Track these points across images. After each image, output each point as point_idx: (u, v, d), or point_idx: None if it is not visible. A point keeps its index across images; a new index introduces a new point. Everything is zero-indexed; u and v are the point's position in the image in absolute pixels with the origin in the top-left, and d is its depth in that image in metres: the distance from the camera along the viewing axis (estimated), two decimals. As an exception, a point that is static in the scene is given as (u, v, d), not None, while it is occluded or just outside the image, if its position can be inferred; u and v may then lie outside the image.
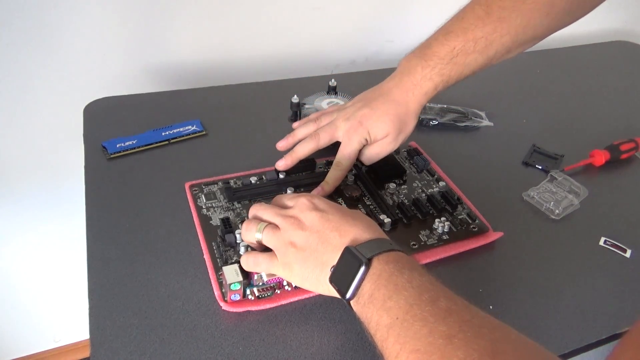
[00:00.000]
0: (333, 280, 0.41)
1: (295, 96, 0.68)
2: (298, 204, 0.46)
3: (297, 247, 0.43)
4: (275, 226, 0.45)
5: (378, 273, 0.38)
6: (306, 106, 0.68)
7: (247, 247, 0.51)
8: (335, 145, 0.59)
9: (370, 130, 0.57)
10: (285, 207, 0.47)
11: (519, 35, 0.55)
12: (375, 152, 0.59)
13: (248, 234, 0.47)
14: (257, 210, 0.48)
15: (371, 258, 0.39)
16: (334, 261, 0.41)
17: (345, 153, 0.57)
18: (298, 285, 0.45)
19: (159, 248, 0.52)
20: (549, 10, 0.55)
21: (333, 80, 0.71)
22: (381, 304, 0.37)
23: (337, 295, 0.41)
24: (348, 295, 0.39)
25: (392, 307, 0.36)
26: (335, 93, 0.71)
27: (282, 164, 0.59)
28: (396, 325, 0.35)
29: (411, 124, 0.59)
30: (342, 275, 0.40)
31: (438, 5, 1.02)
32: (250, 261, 0.46)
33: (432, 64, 0.55)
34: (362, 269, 0.38)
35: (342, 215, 0.44)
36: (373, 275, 0.38)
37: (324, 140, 0.58)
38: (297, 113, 0.69)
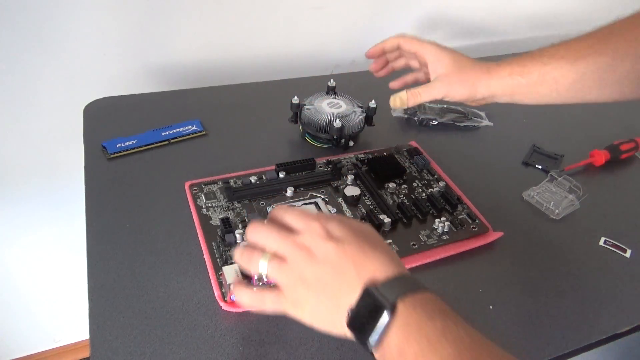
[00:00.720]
0: (351, 326, 0.35)
1: (296, 97, 0.68)
2: (309, 229, 0.38)
3: (309, 284, 0.37)
4: (282, 257, 0.38)
5: (405, 322, 0.33)
6: (306, 107, 0.68)
7: (247, 247, 0.51)
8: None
9: None
10: (290, 228, 0.39)
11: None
12: None
13: (251, 265, 0.39)
14: (259, 232, 0.40)
15: (395, 302, 0.33)
16: (352, 301, 0.35)
17: None
18: (310, 325, 0.38)
19: (159, 248, 0.52)
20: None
21: (332, 80, 0.71)
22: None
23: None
24: (371, 345, 0.33)
25: None
26: (335, 93, 0.71)
27: None
28: None
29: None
30: (362, 321, 0.34)
31: (438, 4, 1.02)
32: (255, 298, 0.39)
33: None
34: (386, 316, 0.33)
35: (360, 244, 0.37)
36: (400, 325, 0.33)
37: None
38: (297, 114, 0.68)
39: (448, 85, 0.55)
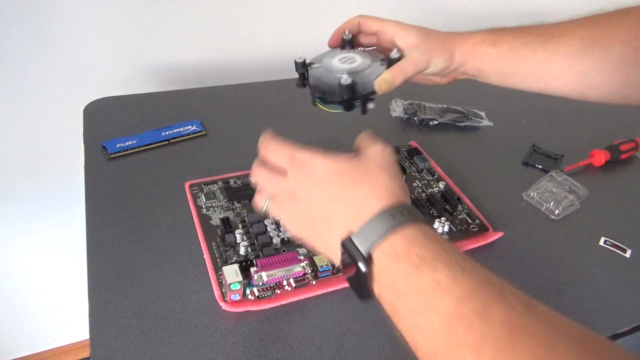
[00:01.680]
0: (347, 279, 0.35)
1: (300, 55, 0.56)
2: (294, 175, 0.38)
3: (298, 223, 0.38)
4: (274, 196, 0.40)
5: (390, 280, 0.32)
6: (314, 65, 0.57)
7: (247, 247, 0.51)
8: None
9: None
10: (282, 168, 0.39)
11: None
12: None
13: (259, 205, 0.41)
14: (255, 175, 0.41)
15: (369, 253, 0.33)
16: (338, 245, 0.35)
17: None
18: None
19: (159, 248, 0.52)
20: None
21: (348, 32, 0.59)
22: (409, 320, 0.31)
23: None
24: (363, 299, 0.34)
25: (425, 328, 0.29)
26: (352, 47, 0.58)
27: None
28: (439, 352, 0.28)
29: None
30: (353, 275, 0.34)
31: (439, 4, 1.02)
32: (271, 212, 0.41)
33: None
34: (363, 268, 0.33)
35: (341, 184, 0.36)
36: (385, 283, 0.32)
37: None
38: (304, 75, 0.57)
39: (427, 52, 0.49)
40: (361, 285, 0.33)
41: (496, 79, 0.51)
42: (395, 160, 0.39)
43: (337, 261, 0.36)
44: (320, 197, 0.36)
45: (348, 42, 0.59)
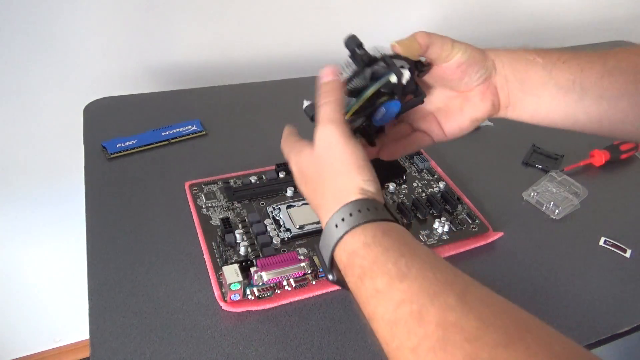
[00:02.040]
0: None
1: (305, 101, 0.42)
2: (291, 164, 0.42)
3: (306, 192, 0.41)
4: None
5: (347, 281, 0.34)
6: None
7: (247, 247, 0.51)
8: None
9: None
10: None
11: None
12: None
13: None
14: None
15: (332, 264, 0.35)
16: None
17: None
18: None
19: (159, 248, 0.52)
20: None
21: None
22: (366, 322, 0.32)
23: None
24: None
25: (376, 332, 0.31)
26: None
27: None
28: (390, 355, 0.30)
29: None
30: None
31: (440, 4, 1.02)
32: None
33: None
34: (331, 279, 0.36)
35: (313, 184, 0.39)
36: (350, 283, 0.34)
37: None
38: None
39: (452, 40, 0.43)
40: (339, 285, 0.36)
41: (549, 95, 0.43)
42: (338, 139, 0.37)
43: None
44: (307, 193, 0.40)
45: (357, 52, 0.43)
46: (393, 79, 0.40)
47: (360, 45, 0.41)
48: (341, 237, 0.34)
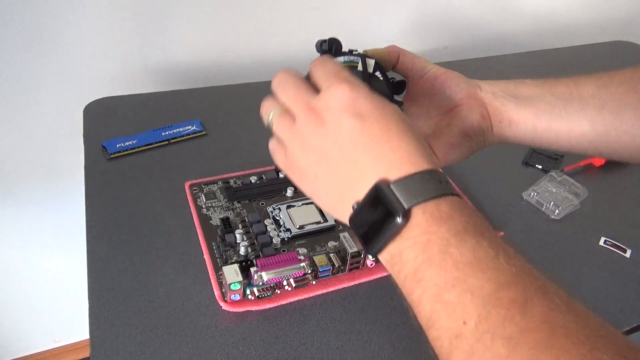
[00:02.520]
0: (354, 224, 0.31)
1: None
2: (331, 92, 0.32)
3: (312, 157, 0.32)
4: (292, 116, 0.34)
5: (424, 240, 0.27)
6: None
7: (247, 247, 0.51)
8: None
9: None
10: (316, 88, 0.34)
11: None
12: None
13: (264, 114, 0.37)
14: (280, 83, 0.36)
15: (410, 208, 0.28)
16: (359, 195, 0.30)
17: None
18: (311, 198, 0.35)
19: (159, 248, 0.52)
20: None
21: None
22: (435, 291, 0.27)
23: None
24: (373, 252, 0.30)
25: (454, 304, 0.26)
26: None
27: None
28: (465, 335, 0.25)
29: None
30: (367, 222, 0.30)
31: (439, 3, 1.02)
32: (271, 147, 0.36)
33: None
34: (397, 223, 0.28)
35: (386, 125, 0.31)
36: (416, 241, 0.28)
37: None
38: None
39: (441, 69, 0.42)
40: (378, 239, 0.29)
41: (547, 105, 0.41)
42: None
43: (342, 212, 0.31)
44: (358, 130, 0.30)
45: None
46: (359, 65, 0.37)
47: (333, 49, 0.39)
48: (447, 191, 0.29)
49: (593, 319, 0.25)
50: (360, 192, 0.30)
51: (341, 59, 0.39)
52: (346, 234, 0.52)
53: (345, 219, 0.31)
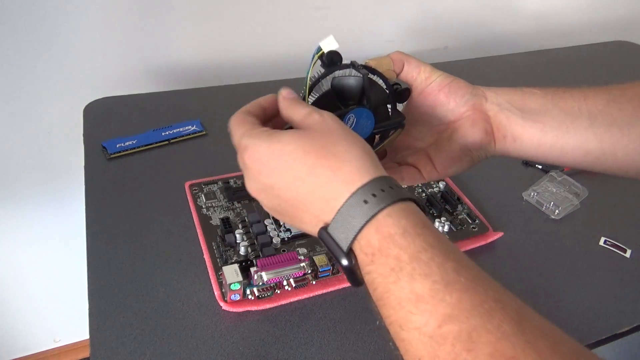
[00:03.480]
0: (327, 249, 0.31)
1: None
2: (241, 162, 0.35)
3: (272, 208, 0.34)
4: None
5: (369, 278, 0.29)
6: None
7: (247, 247, 0.51)
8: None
9: None
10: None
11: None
12: None
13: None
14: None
15: (350, 250, 0.29)
16: (314, 230, 0.31)
17: None
18: None
19: (159, 248, 0.52)
20: None
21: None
22: (394, 329, 0.28)
23: None
24: (356, 286, 0.31)
25: (408, 343, 0.27)
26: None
27: None
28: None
29: None
30: (331, 253, 0.31)
31: (439, 5, 1.02)
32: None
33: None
34: (346, 267, 0.30)
35: (292, 178, 0.31)
36: (368, 280, 0.29)
37: None
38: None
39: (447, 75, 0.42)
40: (349, 276, 0.31)
41: (554, 120, 0.40)
42: (339, 124, 0.33)
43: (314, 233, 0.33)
44: (282, 185, 0.32)
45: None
46: (323, 44, 0.36)
47: (334, 61, 0.38)
48: (375, 215, 0.28)
49: (545, 341, 0.24)
50: (314, 229, 0.31)
51: (340, 72, 0.38)
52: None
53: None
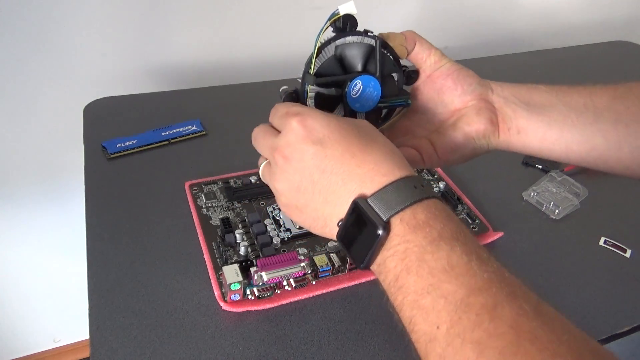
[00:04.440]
0: (342, 241, 0.32)
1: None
2: (288, 131, 0.33)
3: (291, 193, 0.34)
4: (269, 162, 0.37)
5: (402, 249, 0.29)
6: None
7: (247, 247, 0.51)
8: None
9: None
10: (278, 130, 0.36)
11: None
12: None
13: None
14: (254, 138, 0.38)
15: (389, 220, 0.30)
16: (341, 214, 0.32)
17: None
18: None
19: (159, 248, 0.52)
20: None
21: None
22: (413, 297, 0.28)
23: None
24: (363, 264, 0.31)
25: (429, 310, 0.27)
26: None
27: None
28: (438, 339, 0.26)
29: None
30: (353, 237, 0.31)
31: (439, 5, 1.02)
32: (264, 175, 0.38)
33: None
34: (378, 235, 0.29)
35: (348, 144, 0.32)
36: (396, 251, 0.29)
37: None
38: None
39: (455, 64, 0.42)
40: (364, 252, 0.30)
41: (559, 114, 0.40)
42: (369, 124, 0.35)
43: (331, 233, 0.33)
44: (321, 156, 0.32)
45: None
46: (342, 7, 0.36)
47: (348, 26, 0.38)
48: (425, 198, 0.30)
49: (560, 323, 0.26)
50: (341, 212, 0.32)
51: (353, 38, 0.38)
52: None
53: (334, 236, 0.33)
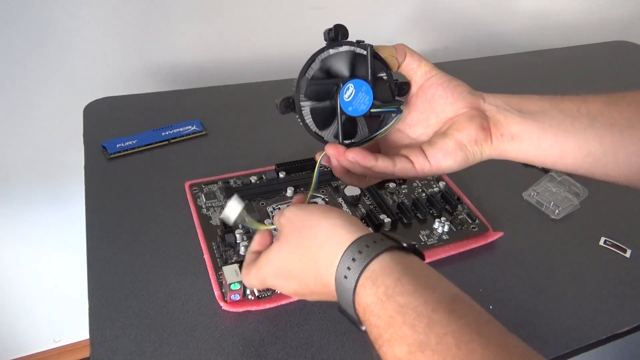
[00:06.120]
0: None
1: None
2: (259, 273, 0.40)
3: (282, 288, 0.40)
4: None
5: (367, 323, 0.32)
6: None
7: (247, 247, 0.51)
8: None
9: None
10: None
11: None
12: None
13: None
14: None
15: (354, 311, 0.33)
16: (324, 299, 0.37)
17: None
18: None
19: (159, 248, 0.52)
20: None
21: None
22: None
23: None
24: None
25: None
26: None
27: None
28: None
29: None
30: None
31: (439, 5, 1.02)
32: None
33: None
34: (364, 330, 0.33)
35: (297, 275, 0.37)
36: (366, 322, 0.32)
37: None
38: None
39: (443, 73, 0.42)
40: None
41: (553, 119, 0.40)
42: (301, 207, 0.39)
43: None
44: (293, 288, 0.38)
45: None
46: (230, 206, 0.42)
47: (339, 36, 0.40)
48: (354, 290, 0.32)
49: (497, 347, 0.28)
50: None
51: (345, 48, 0.39)
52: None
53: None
